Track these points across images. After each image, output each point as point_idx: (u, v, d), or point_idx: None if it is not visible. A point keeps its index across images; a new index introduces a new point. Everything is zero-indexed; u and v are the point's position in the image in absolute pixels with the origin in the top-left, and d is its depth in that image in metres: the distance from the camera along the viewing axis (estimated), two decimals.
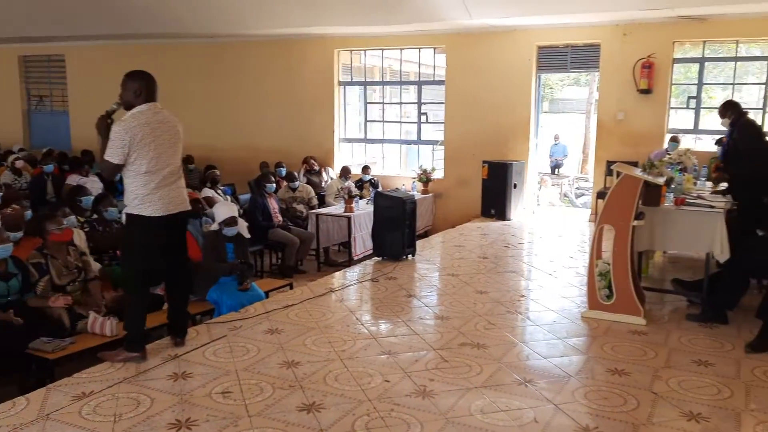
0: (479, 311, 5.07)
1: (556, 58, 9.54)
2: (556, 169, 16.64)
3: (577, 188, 15.43)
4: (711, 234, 4.92)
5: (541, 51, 9.55)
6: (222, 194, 8.45)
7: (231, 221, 5.29)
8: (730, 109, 5.88)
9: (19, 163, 9.43)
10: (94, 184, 8.87)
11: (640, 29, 8.72)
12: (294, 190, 8.73)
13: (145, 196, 3.75)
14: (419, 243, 7.92)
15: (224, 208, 5.39)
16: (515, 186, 9.42)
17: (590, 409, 3.41)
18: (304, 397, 3.48)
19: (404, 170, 11.13)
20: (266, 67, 11.36)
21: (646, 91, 8.74)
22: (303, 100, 11.13)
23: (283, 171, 9.26)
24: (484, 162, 9.47)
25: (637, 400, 3.51)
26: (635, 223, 4.77)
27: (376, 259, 6.85)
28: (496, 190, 9.38)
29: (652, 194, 5.15)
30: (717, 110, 6.11)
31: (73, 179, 8.84)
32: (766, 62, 8.59)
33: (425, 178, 10.02)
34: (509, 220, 9.37)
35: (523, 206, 9.81)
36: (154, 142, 3.74)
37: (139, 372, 3.79)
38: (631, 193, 4.72)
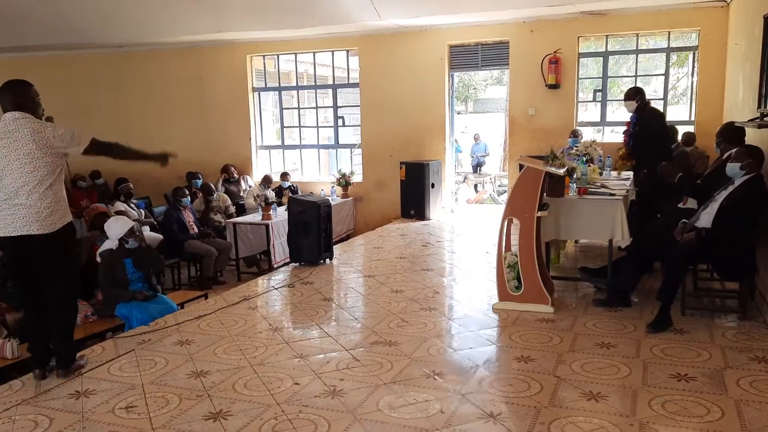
0: (393, 310, 5.08)
1: (468, 56, 9.74)
2: (479, 168, 17.02)
3: (499, 185, 15.82)
4: (612, 221, 5.11)
5: (452, 49, 9.74)
6: (135, 208, 8.18)
7: (130, 233, 5.08)
8: (639, 95, 6.07)
9: None
10: None
11: (546, 26, 9.03)
12: (210, 201, 8.52)
13: None
14: (339, 247, 7.92)
15: (118, 223, 5.15)
16: (433, 186, 9.54)
17: (495, 396, 3.46)
18: (212, 406, 3.39)
19: (325, 175, 11.09)
20: (177, 76, 11.08)
21: (555, 86, 9.04)
22: (217, 108, 10.91)
23: (199, 182, 9.05)
24: (402, 163, 9.55)
25: (541, 385, 3.59)
26: (539, 213, 4.90)
27: (294, 265, 6.77)
28: (414, 191, 9.47)
29: (556, 185, 5.32)
30: (624, 93, 6.28)
31: None
32: (664, 54, 9.05)
33: (344, 182, 10.01)
34: (429, 219, 9.48)
35: (442, 206, 9.94)
36: None
37: (38, 393, 3.62)
38: (534, 185, 4.85)
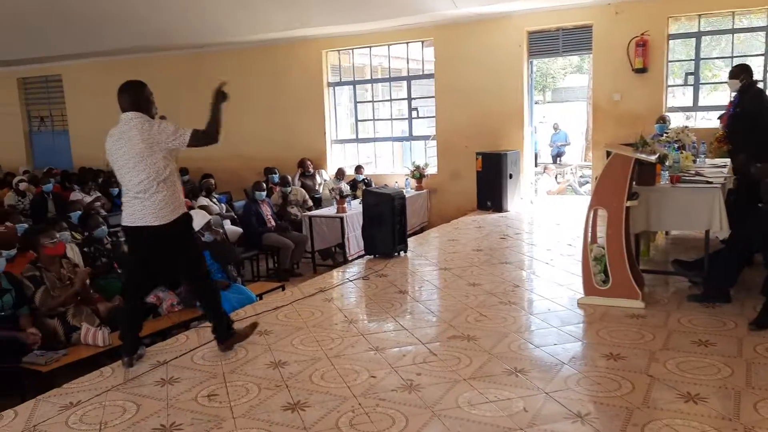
0: (471, 304, 4.93)
1: (548, 42, 9.37)
2: (558, 158, 16.48)
3: (581, 176, 15.24)
4: (709, 210, 4.76)
5: (531, 36, 9.40)
6: (217, 203, 8.41)
7: (207, 227, 5.19)
8: (744, 73, 5.60)
9: (23, 185, 9.54)
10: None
11: (633, 6, 8.55)
12: (287, 194, 8.63)
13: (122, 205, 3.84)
14: (413, 239, 7.83)
15: (196, 217, 5.26)
16: (511, 176, 9.26)
17: (582, 395, 3.27)
18: (290, 397, 3.39)
19: (399, 168, 11.00)
20: (253, 74, 11.28)
21: (642, 70, 8.55)
22: (293, 105, 11.03)
23: (276, 177, 9.21)
24: (478, 154, 9.33)
25: (633, 384, 3.36)
26: (629, 203, 4.62)
27: (368, 257, 6.72)
28: (491, 182, 9.22)
29: (646, 173, 5.01)
30: (730, 71, 5.82)
31: (75, 197, 8.82)
32: (764, 33, 8.38)
33: (418, 174, 9.89)
34: (506, 211, 9.21)
35: (520, 197, 9.65)
36: (113, 157, 3.74)
37: (127, 379, 3.75)
38: (623, 173, 4.57)
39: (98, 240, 5.83)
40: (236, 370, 3.81)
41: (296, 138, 11.12)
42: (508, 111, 9.56)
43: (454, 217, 9.32)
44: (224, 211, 8.27)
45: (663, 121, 7.67)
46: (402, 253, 6.75)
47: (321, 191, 9.62)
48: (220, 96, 3.92)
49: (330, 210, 8.20)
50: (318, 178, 10.43)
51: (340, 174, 9.62)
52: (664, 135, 6.47)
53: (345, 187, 9.21)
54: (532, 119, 9.95)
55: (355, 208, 8.06)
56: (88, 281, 4.81)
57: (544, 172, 14.24)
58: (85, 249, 5.70)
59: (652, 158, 4.64)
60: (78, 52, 11.49)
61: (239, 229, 7.66)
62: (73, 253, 5.20)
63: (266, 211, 7.86)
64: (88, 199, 8.43)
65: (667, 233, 6.93)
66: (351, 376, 3.60)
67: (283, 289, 5.76)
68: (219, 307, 4.04)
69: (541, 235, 7.87)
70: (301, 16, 9.31)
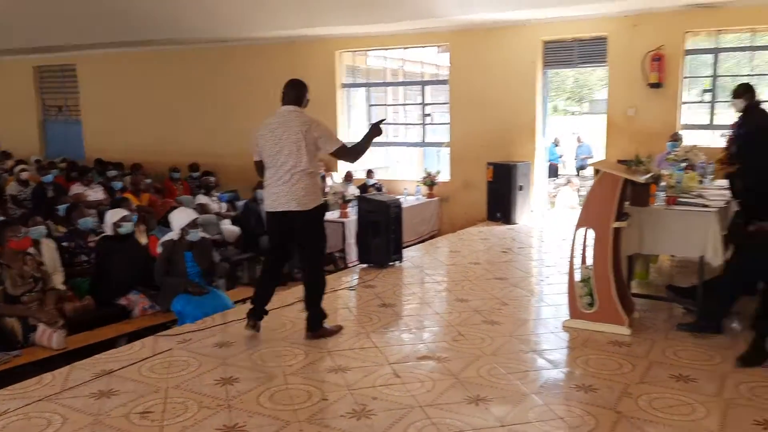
0: (453, 321, 4.78)
1: (563, 52, 9.14)
2: (581, 170, 16.15)
3: None
4: (703, 235, 4.53)
5: (546, 45, 9.17)
6: (217, 201, 8.36)
7: (192, 225, 5.12)
8: (748, 93, 5.42)
9: (25, 174, 9.51)
10: (97, 194, 8.93)
11: (650, 20, 8.27)
12: None
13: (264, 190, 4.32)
14: (418, 248, 7.72)
15: (182, 214, 5.22)
16: (521, 188, 9.05)
17: (542, 431, 3.10)
18: (228, 418, 3.25)
19: (417, 174, 10.83)
20: (268, 71, 11.21)
21: (657, 85, 8.26)
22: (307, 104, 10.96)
23: None
24: (489, 163, 9.14)
25: (597, 420, 3.19)
26: (617, 224, 4.43)
27: (363, 266, 6.61)
28: (501, 193, 9.02)
29: (640, 193, 4.79)
30: (733, 90, 5.60)
31: (75, 189, 8.89)
32: None
33: (429, 182, 9.74)
34: (515, 224, 9.00)
35: (530, 209, 9.42)
36: (268, 143, 4.15)
37: (64, 389, 3.62)
38: (611, 192, 4.38)
39: (81, 234, 5.79)
40: (181, 384, 3.67)
41: None
42: (521, 122, 9.36)
43: (464, 226, 9.15)
44: (224, 211, 8.22)
45: (675, 139, 7.37)
46: (397, 263, 6.62)
47: (329, 194, 9.53)
48: (375, 130, 4.38)
49: (333, 214, 8.09)
50: (329, 181, 10.34)
51: (348, 177, 9.52)
52: (672, 153, 6.21)
53: (352, 190, 9.11)
54: (544, 130, 9.71)
55: None
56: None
57: (566, 184, 13.91)
58: (64, 243, 5.63)
59: (642, 178, 4.43)
60: (92, 42, 11.52)
61: (236, 229, 7.57)
62: (48, 248, 5.15)
63: None
64: (90, 192, 8.44)
65: (673, 255, 6.65)
66: (301, 397, 3.47)
67: None
68: (319, 299, 4.40)
69: (545, 250, 7.66)
70: (314, 14, 9.24)
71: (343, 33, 10.24)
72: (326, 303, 4.53)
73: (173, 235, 5.11)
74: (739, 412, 3.27)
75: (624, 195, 4.50)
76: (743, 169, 5.35)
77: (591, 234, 4.50)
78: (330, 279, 6.28)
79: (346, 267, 7.55)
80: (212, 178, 8.78)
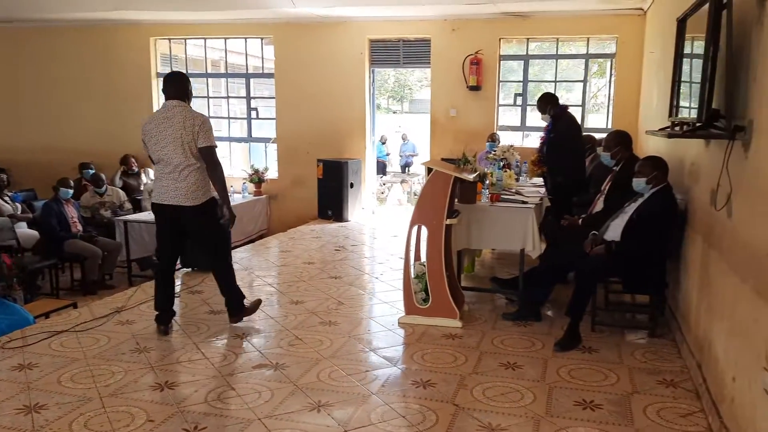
0: (288, 325, 4.60)
1: (389, 52, 9.33)
2: (407, 168, 16.75)
3: None
4: (523, 230, 4.83)
5: (373, 44, 9.30)
6: (10, 201, 7.31)
7: None
8: (550, 104, 5.84)
9: None
10: None
11: (468, 25, 8.73)
12: (101, 195, 7.75)
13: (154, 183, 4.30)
14: (246, 249, 7.40)
15: None
16: (352, 185, 9.09)
17: (385, 431, 3.05)
18: None
19: (239, 170, 10.40)
20: (71, 56, 10.13)
21: (476, 88, 8.77)
22: (118, 94, 10.01)
23: (91, 173, 8.22)
24: (319, 160, 9.06)
25: (437, 416, 3.21)
26: (449, 221, 4.55)
27: (186, 270, 6.15)
28: (332, 190, 9.01)
29: (468, 191, 4.98)
30: (537, 104, 6.05)
31: None
32: (583, 60, 8.95)
33: (257, 179, 9.41)
34: (347, 221, 9.02)
35: (362, 206, 9.51)
36: (153, 138, 4.13)
37: None
38: (443, 191, 4.49)
39: None
40: None
41: (122, 131, 10.07)
42: (351, 119, 9.40)
43: (295, 225, 8.97)
44: (19, 212, 7.20)
45: (492, 139, 7.86)
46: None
47: (143, 193, 8.78)
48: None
49: (150, 215, 7.43)
50: (144, 178, 9.55)
51: None
52: (492, 153, 6.59)
53: None
54: (374, 128, 9.86)
55: None
56: None
57: (401, 183, 14.30)
58: None
59: (471, 177, 4.61)
60: None
61: (34, 233, 6.66)
62: None
63: (71, 212, 6.95)
64: None
65: (493, 249, 7.08)
66: (123, 421, 3.08)
67: (75, 307, 5.03)
68: (231, 284, 4.47)
69: (377, 247, 7.75)
70: None
71: (158, 19, 9.50)
72: (145, 312, 4.10)
73: None
74: (562, 393, 3.49)
75: (454, 193, 4.65)
76: (552, 170, 5.88)
77: (424, 231, 4.59)
78: (147, 287, 5.76)
79: None
80: (3, 176, 7.65)
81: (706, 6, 2.88)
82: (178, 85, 4.21)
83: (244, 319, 4.59)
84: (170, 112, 4.12)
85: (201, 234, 4.35)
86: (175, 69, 10.34)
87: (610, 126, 8.50)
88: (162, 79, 9.94)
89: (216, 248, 4.42)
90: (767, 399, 2.36)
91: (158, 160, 4.17)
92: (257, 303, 4.72)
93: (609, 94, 8.87)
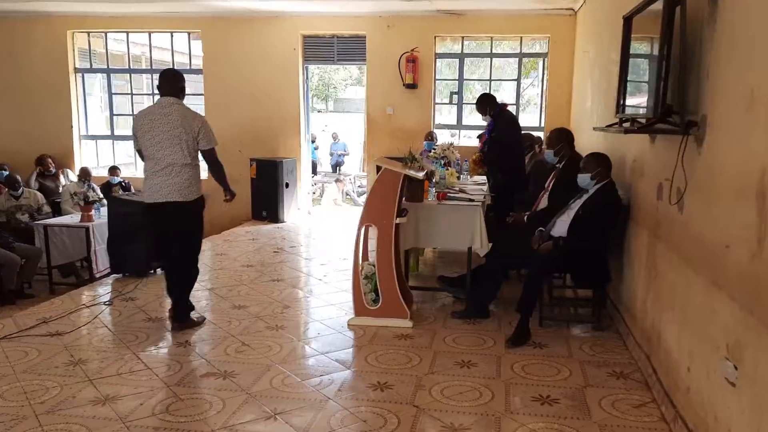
0: (233, 331, 4.40)
1: (323, 48, 9.19)
2: (338, 167, 16.60)
3: (359, 186, 15.49)
4: (471, 228, 4.82)
5: (306, 40, 9.14)
6: None
7: None
8: (489, 104, 5.88)
9: None
10: None
11: (403, 22, 8.72)
12: (17, 197, 7.20)
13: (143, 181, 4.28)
14: None
15: None
16: (287, 185, 8.89)
17: None
18: None
19: None
20: None
21: (412, 86, 8.77)
22: (32, 90, 9.39)
23: (5, 174, 7.63)
24: (252, 160, 8.80)
25: (398, 418, 3.13)
26: (398, 220, 4.49)
27: (116, 276, 5.80)
28: (266, 191, 8.78)
29: (415, 190, 4.93)
30: (476, 106, 6.07)
31: None
32: (516, 59, 9.13)
33: None
34: (283, 222, 8.81)
35: (297, 207, 9.31)
36: (148, 134, 4.14)
37: None
38: (393, 189, 4.42)
39: None
40: None
41: (36, 130, 9.47)
42: (285, 117, 9.20)
43: (228, 227, 8.66)
44: None
45: (430, 137, 7.87)
46: (158, 271, 5.94)
47: (61, 195, 8.23)
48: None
49: (73, 218, 6.99)
50: (63, 179, 8.97)
51: (84, 175, 8.25)
52: (432, 151, 6.59)
53: (96, 191, 8.01)
54: (309, 127, 9.68)
55: (105, 216, 6.97)
56: None
57: (336, 182, 14.14)
58: None
59: (420, 175, 4.56)
60: None
61: None
62: None
63: None
64: None
65: (434, 248, 7.08)
66: None
67: None
68: (189, 290, 4.47)
69: (317, 248, 7.59)
70: None
71: (76, 11, 8.96)
72: (74, 321, 3.80)
73: None
74: (519, 390, 3.50)
75: (403, 192, 4.58)
76: (494, 168, 5.95)
77: (372, 231, 4.51)
78: (74, 295, 5.41)
79: (92, 278, 6.59)
80: None
81: (658, 3, 2.94)
82: (172, 83, 4.26)
83: (184, 331, 4.38)
84: (167, 109, 4.15)
85: (184, 230, 4.35)
86: (96, 65, 9.81)
87: (542, 125, 8.71)
88: (79, 75, 9.56)
89: (192, 248, 4.47)
90: (728, 387, 2.42)
91: (150, 156, 4.18)
92: (202, 320, 4.59)
93: (542, 93, 9.08)
